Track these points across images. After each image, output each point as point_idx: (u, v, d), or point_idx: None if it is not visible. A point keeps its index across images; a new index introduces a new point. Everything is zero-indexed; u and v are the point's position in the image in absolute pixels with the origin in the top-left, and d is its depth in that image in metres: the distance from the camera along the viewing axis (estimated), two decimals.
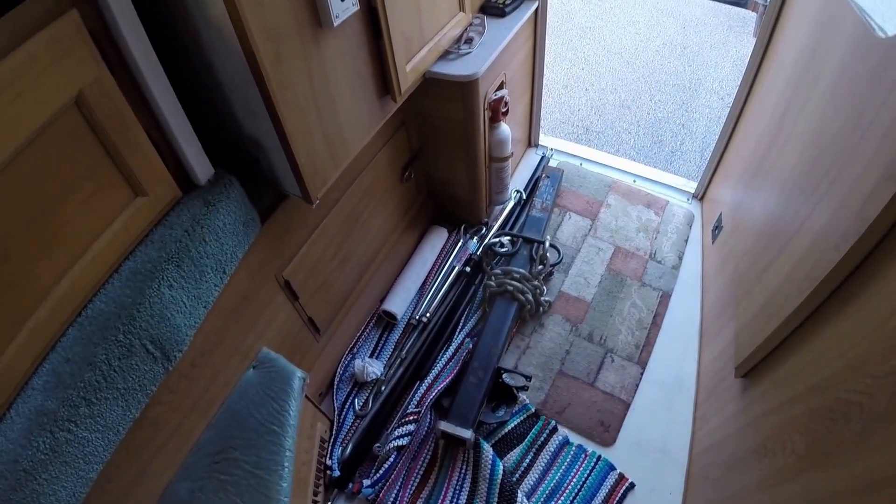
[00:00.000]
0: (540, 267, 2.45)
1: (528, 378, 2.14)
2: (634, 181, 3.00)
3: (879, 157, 1.12)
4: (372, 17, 1.50)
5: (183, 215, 1.28)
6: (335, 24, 1.33)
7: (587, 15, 5.53)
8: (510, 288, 2.29)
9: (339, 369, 2.20)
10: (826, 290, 1.25)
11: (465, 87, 2.02)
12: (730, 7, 5.44)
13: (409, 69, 1.75)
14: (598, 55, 4.89)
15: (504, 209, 2.75)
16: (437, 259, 2.58)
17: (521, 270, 2.36)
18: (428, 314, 2.35)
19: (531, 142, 3.18)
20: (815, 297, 1.28)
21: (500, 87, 2.29)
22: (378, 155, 2.07)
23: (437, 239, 2.63)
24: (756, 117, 2.21)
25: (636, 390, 2.16)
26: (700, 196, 2.88)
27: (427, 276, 2.53)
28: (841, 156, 1.33)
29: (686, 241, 2.67)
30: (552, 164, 3.08)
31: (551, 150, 3.17)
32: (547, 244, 2.53)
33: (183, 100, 1.21)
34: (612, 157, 3.19)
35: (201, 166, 1.32)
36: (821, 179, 1.42)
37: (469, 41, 2.07)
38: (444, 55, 2.02)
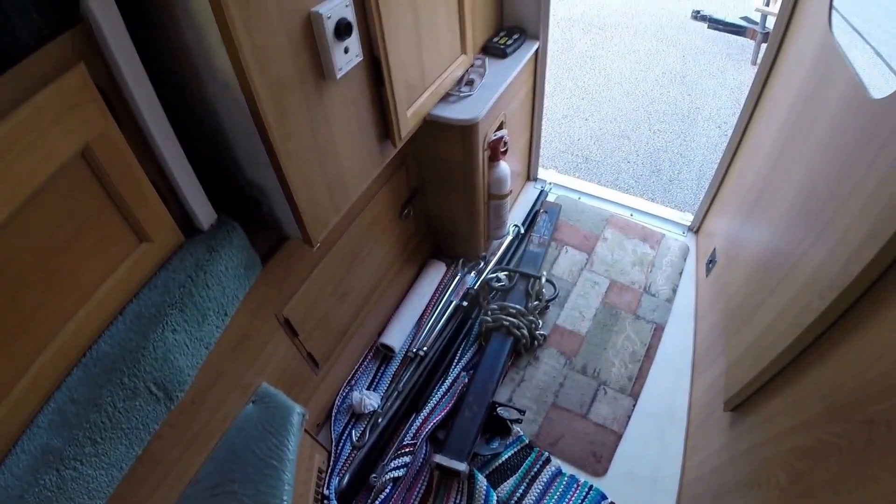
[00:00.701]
0: (536, 302, 2.49)
1: (522, 412, 2.17)
2: (631, 215, 3.03)
3: (866, 215, 1.15)
4: (375, 67, 1.53)
5: (186, 261, 1.31)
6: (338, 77, 1.37)
7: (588, 44, 5.60)
8: (506, 323, 2.33)
9: (337, 401, 2.23)
10: (811, 336, 1.28)
11: (465, 130, 2.06)
12: (728, 35, 5.50)
13: (409, 114, 1.79)
14: (599, 85, 4.96)
15: (502, 244, 2.79)
16: (434, 293, 2.62)
17: (516, 306, 2.40)
18: (425, 347, 2.38)
19: (530, 175, 3.23)
20: (800, 342, 1.31)
21: (500, 126, 2.33)
22: (378, 194, 2.10)
23: (435, 273, 2.67)
24: (752, 155, 2.24)
25: (628, 421, 2.18)
26: (696, 229, 2.92)
27: (425, 310, 2.56)
28: (831, 207, 1.36)
29: (680, 274, 2.70)
30: (551, 198, 3.13)
31: (550, 184, 3.21)
32: (543, 280, 2.57)
33: (186, 145, 1.24)
34: (610, 191, 3.23)
35: (204, 212, 1.36)
36: (811, 227, 1.45)
37: (470, 83, 2.11)
38: (445, 97, 2.06)
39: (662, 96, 4.78)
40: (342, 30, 1.31)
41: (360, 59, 1.44)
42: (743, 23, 5.36)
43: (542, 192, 3.14)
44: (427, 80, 1.88)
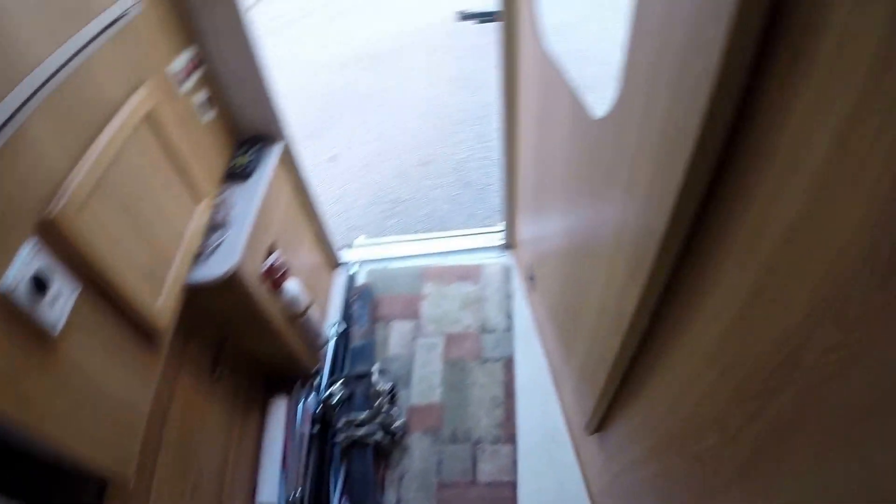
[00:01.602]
0: (379, 400, 2.54)
1: None
2: (444, 258, 3.15)
3: (617, 245, 1.21)
4: (98, 287, 1.52)
5: None
6: (59, 330, 1.34)
7: (368, 81, 5.81)
8: (356, 436, 2.40)
9: None
10: (620, 368, 1.35)
11: (228, 283, 2.04)
12: (493, 24, 5.80)
13: (161, 304, 1.76)
14: (388, 119, 5.12)
15: (329, 349, 2.83)
16: (285, 433, 2.62)
17: (361, 414, 2.46)
18: (298, 490, 2.41)
19: (334, 262, 3.27)
20: (616, 371, 1.38)
21: (271, 250, 2.35)
22: (176, 380, 2.08)
23: (279, 412, 2.67)
24: (525, 151, 2.34)
25: (516, 466, 2.30)
26: (511, 245, 3.04)
27: (284, 453, 2.56)
28: (591, 229, 1.42)
29: (509, 297, 2.85)
30: (361, 276, 3.20)
31: (356, 264, 3.26)
32: (375, 375, 2.63)
33: None
34: (416, 244, 3.34)
35: None
36: (581, 243, 1.52)
37: (219, 226, 2.12)
38: (199, 255, 2.04)
39: (451, 105, 5.01)
40: (38, 286, 1.30)
41: (76, 290, 1.43)
42: None
43: (349, 277, 3.20)
44: (168, 255, 1.86)
